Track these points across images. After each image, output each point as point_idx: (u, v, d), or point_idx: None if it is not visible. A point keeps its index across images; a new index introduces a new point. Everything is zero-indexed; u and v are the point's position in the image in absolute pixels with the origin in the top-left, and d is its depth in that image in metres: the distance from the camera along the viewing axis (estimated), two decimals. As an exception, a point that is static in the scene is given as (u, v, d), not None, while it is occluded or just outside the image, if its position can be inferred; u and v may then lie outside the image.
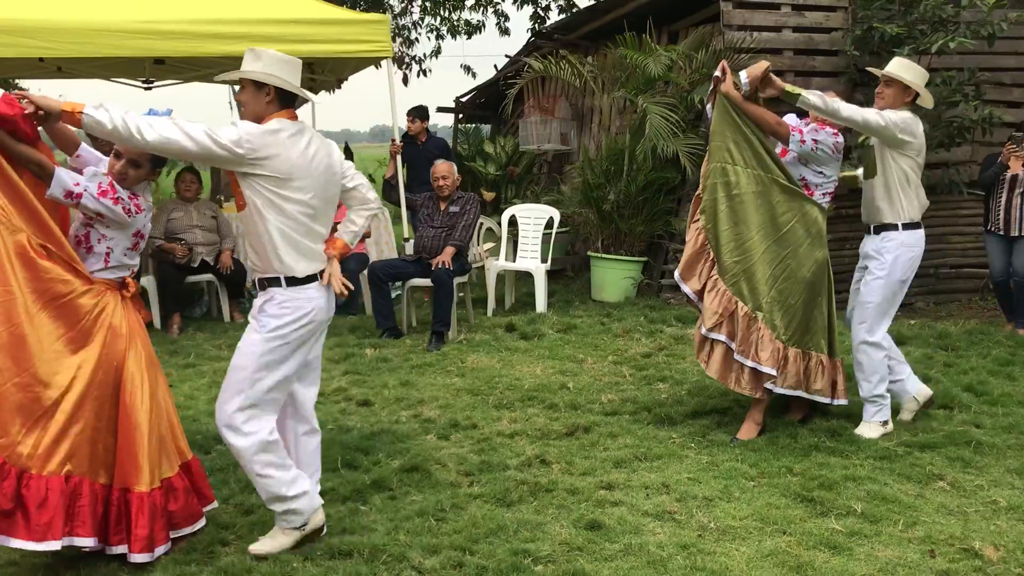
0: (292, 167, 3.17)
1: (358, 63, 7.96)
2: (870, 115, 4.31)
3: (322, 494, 3.59)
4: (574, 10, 13.55)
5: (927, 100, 4.54)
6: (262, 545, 3.33)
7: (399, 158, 7.10)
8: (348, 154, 14.82)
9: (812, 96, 4.23)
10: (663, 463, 4.25)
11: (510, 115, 10.50)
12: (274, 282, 3.26)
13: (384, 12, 16.53)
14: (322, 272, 3.31)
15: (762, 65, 4.38)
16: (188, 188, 7.69)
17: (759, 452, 4.33)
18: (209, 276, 7.56)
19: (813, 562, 3.23)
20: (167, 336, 6.99)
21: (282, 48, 6.72)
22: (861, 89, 7.81)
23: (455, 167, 6.99)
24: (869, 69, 4.90)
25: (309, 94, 3.75)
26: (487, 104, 14.00)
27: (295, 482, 3.32)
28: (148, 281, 7.27)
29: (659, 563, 3.24)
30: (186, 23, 6.56)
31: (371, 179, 7.45)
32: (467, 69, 17.14)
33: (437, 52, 17.32)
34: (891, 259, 4.49)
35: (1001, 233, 6.81)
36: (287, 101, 3.30)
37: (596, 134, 10.11)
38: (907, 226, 4.52)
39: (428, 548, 3.35)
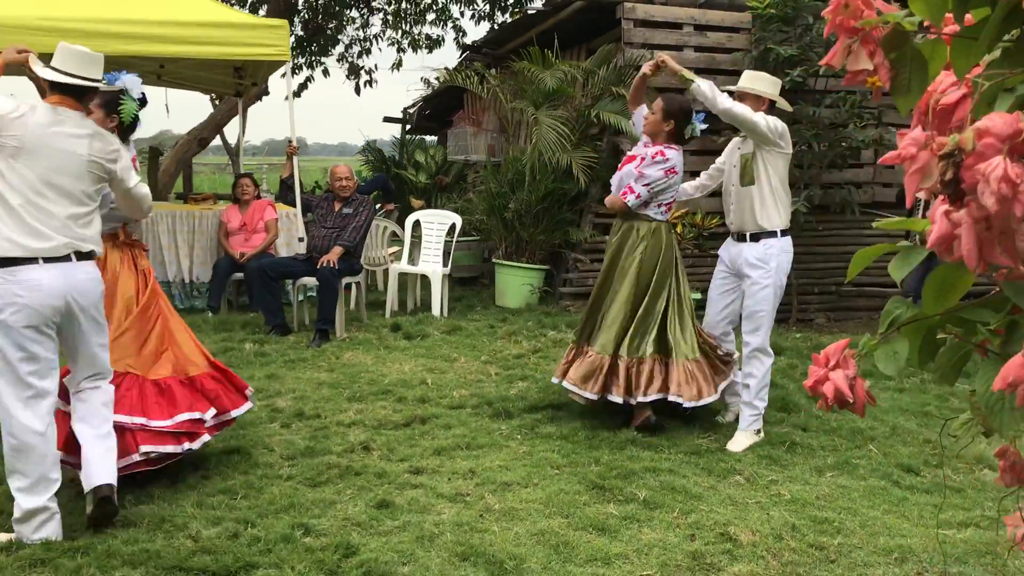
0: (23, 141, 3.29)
1: (271, 66, 8.14)
2: (749, 112, 4.41)
3: (139, 474, 3.78)
4: (499, 24, 13.86)
5: (784, 104, 4.70)
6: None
7: (295, 159, 7.26)
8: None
9: (703, 85, 4.39)
10: (482, 452, 4.41)
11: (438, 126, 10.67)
12: None
13: (344, 25, 16.84)
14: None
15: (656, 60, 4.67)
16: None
17: (576, 444, 4.51)
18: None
19: (575, 542, 3.39)
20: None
21: (185, 49, 7.03)
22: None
23: (352, 169, 7.17)
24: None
25: (98, 84, 3.64)
26: (432, 116, 14.23)
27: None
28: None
29: (428, 539, 3.39)
30: (91, 22, 6.70)
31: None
32: (426, 82, 17.38)
33: (399, 65, 17.59)
34: (775, 266, 4.59)
35: None
36: (67, 90, 3.41)
37: (523, 146, 10.31)
38: (783, 232, 4.64)
39: (212, 520, 3.50)
